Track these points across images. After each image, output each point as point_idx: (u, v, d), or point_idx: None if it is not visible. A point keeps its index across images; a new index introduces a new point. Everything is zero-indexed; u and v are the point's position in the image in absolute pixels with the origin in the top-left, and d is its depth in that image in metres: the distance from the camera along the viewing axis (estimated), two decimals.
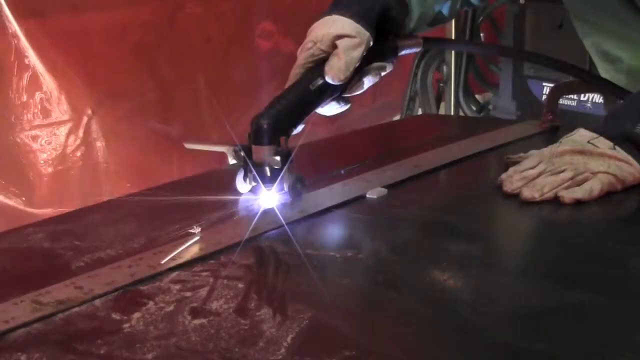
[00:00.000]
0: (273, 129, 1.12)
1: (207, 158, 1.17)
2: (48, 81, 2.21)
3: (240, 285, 0.91)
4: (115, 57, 2.38)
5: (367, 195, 1.22)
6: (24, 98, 2.17)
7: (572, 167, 1.18)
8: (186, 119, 2.61)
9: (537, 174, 1.19)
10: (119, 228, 1.08)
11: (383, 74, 1.26)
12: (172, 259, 0.97)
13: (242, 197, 1.16)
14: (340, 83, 1.18)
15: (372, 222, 1.16)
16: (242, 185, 1.15)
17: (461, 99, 3.22)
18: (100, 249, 1.00)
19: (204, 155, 1.25)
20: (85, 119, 2.32)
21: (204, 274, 0.94)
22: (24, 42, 2.15)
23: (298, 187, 1.15)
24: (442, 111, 3.28)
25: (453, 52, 3.13)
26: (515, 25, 2.92)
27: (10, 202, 2.11)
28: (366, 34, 1.18)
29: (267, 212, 1.12)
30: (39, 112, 2.20)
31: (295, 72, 1.21)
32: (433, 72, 3.37)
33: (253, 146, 1.13)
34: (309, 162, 1.43)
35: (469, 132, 1.62)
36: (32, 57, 2.17)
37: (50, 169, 2.25)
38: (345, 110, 1.26)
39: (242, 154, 1.13)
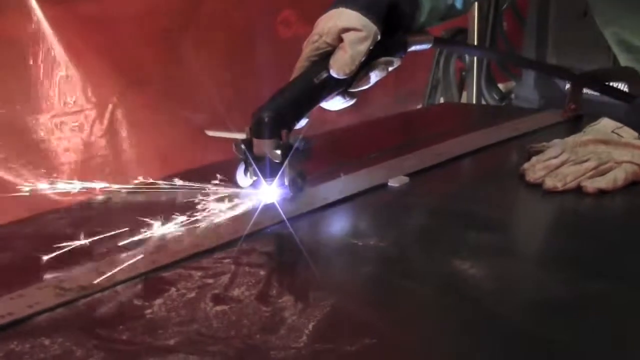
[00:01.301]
0: (274, 122, 1.09)
1: (230, 146, 1.16)
2: (73, 68, 2.22)
3: (262, 273, 0.91)
4: (140, 44, 2.39)
5: (389, 184, 1.22)
6: (50, 85, 2.18)
7: (596, 157, 1.17)
8: (210, 106, 2.61)
9: (560, 164, 1.19)
10: (140, 215, 1.08)
11: (390, 69, 1.22)
12: (194, 245, 0.98)
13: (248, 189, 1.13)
14: (345, 77, 1.15)
15: (393, 210, 1.16)
16: (243, 179, 1.12)
17: (483, 88, 3.20)
18: (122, 236, 1.01)
19: (227, 143, 1.24)
20: (110, 106, 2.33)
21: (226, 261, 0.95)
22: (49, 29, 2.16)
23: (299, 182, 1.12)
24: (464, 100, 3.26)
25: (476, 40, 3.11)
26: (539, 13, 2.89)
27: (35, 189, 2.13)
28: (373, 28, 1.15)
29: (291, 199, 1.12)
30: (64, 100, 2.21)
31: (300, 65, 1.18)
32: (455, 60, 3.36)
33: (254, 139, 1.10)
34: (331, 150, 1.44)
35: (491, 120, 1.62)
36: (57, 44, 2.18)
37: (75, 156, 2.26)
38: (350, 105, 1.23)
39: (243, 147, 1.10)
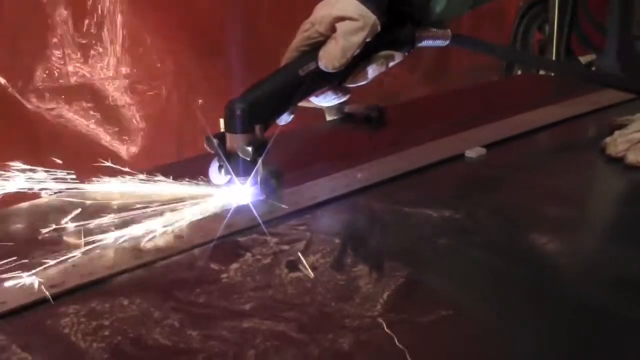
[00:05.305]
0: (247, 116, 0.99)
1: (303, 114, 1.14)
2: (149, 37, 2.24)
3: (337, 241, 0.91)
4: (217, 11, 2.39)
5: (466, 154, 1.21)
6: (126, 53, 2.21)
7: None
8: None
9: None
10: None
11: (391, 64, 1.11)
12: (269, 212, 0.99)
13: None
14: (334, 71, 1.04)
15: (470, 182, 1.15)
16: (217, 176, 1.02)
17: (562, 60, 3.14)
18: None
19: (302, 110, 1.23)
20: (186, 74, 2.34)
21: (301, 227, 0.95)
22: None
23: (272, 183, 1.03)
24: (542, 72, 3.20)
25: (557, 10, 3.04)
26: None
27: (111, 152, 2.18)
28: (371, 18, 1.03)
29: (362, 169, 1.11)
30: (140, 67, 2.24)
31: (289, 56, 1.08)
32: (534, 31, 3.29)
33: (226, 134, 1.01)
34: (409, 120, 1.43)
35: (571, 93, 1.59)
36: (132, 13, 2.19)
37: (150, 123, 2.29)
38: (343, 101, 1.13)
39: (215, 141, 1.00)
